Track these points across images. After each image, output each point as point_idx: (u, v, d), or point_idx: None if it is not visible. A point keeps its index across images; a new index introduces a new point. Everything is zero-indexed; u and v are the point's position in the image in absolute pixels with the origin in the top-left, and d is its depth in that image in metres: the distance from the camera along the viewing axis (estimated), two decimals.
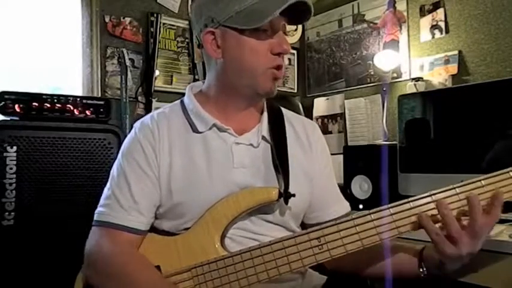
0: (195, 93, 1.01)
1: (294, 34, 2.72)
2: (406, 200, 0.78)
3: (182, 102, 1.01)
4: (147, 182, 0.90)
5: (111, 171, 0.95)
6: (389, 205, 0.78)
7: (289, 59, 2.74)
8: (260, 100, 0.99)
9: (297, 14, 0.91)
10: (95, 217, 0.92)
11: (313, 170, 1.01)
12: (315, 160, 1.02)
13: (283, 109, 1.06)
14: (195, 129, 0.94)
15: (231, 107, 0.97)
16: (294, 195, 0.89)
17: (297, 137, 1.02)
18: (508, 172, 0.75)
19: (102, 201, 0.93)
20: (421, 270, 0.85)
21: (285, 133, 1.00)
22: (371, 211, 0.79)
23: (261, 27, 0.87)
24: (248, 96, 0.96)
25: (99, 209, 0.92)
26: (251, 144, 0.95)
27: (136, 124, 0.99)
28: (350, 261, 0.89)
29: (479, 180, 0.75)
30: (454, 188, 0.76)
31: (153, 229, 0.94)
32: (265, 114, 1.00)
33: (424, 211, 0.77)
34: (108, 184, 0.94)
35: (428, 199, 0.77)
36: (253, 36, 0.89)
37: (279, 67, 0.92)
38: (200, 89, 1.02)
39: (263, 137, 0.96)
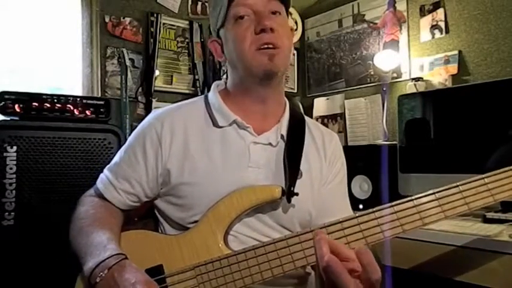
0: (220, 90, 1.03)
1: (294, 34, 2.72)
2: (409, 198, 0.78)
3: (206, 97, 1.03)
4: (137, 169, 0.95)
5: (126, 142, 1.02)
6: (393, 203, 0.78)
7: None
8: (267, 84, 0.95)
9: None
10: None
11: (323, 178, 1.00)
12: (326, 169, 1.02)
13: (306, 117, 1.08)
14: (215, 124, 0.96)
15: (249, 104, 0.98)
16: (297, 194, 0.88)
17: (313, 143, 1.03)
18: (511, 170, 0.75)
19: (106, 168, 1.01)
20: None
21: (303, 136, 1.01)
22: (374, 209, 0.79)
23: (238, 15, 0.91)
24: (252, 83, 0.95)
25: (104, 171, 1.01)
26: (270, 144, 0.96)
27: (151, 115, 1.01)
28: None
29: (483, 178, 0.75)
30: (458, 186, 0.76)
31: (166, 219, 0.96)
32: (287, 115, 1.01)
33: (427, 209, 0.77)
34: (118, 153, 1.01)
35: (432, 197, 0.77)
36: (237, 26, 0.93)
37: (267, 44, 0.90)
38: (225, 87, 1.04)
39: (282, 136, 0.97)
